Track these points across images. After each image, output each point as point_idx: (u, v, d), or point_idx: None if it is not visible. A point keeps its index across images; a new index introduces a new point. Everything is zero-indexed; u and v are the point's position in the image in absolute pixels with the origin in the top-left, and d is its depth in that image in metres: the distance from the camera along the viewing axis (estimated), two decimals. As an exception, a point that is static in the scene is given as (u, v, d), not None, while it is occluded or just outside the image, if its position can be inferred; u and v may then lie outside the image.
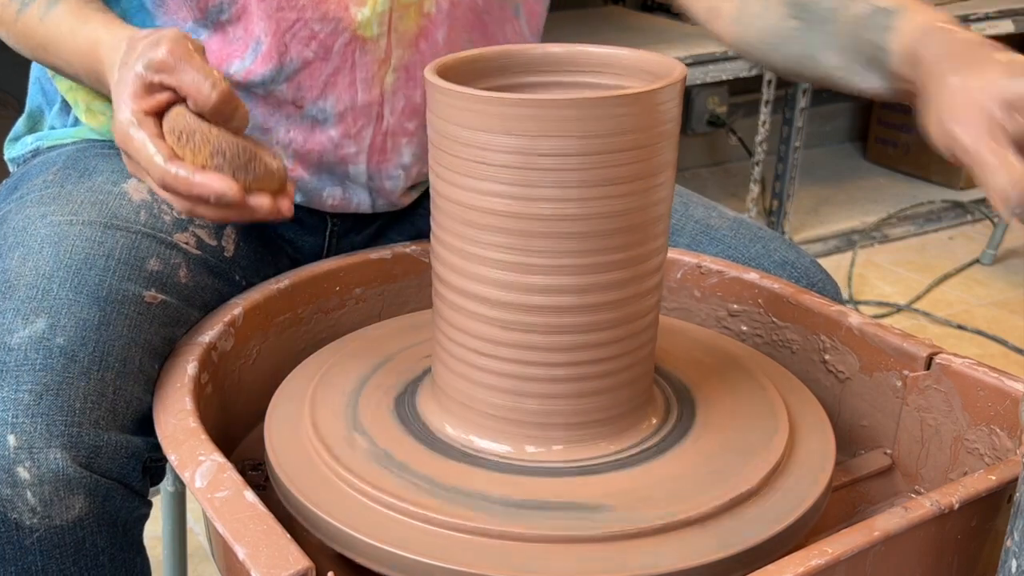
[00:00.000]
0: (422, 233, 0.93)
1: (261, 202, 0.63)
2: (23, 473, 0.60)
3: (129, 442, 0.64)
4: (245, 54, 0.78)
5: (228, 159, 0.61)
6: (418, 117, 0.84)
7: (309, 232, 0.90)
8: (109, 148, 0.85)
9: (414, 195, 0.91)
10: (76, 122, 0.89)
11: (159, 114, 0.63)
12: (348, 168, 0.84)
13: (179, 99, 0.62)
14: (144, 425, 0.66)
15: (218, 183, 0.60)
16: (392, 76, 0.80)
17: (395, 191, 0.87)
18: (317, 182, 0.84)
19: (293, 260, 0.90)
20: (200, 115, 0.61)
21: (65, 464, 0.61)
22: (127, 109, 0.62)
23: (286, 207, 0.64)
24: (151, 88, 0.62)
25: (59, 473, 0.61)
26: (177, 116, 0.61)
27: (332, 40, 0.77)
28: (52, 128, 0.91)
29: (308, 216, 0.88)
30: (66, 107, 0.91)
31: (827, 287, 0.85)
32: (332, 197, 0.85)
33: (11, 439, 0.60)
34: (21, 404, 0.61)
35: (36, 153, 0.89)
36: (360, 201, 0.86)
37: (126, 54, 0.65)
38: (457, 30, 0.82)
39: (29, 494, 0.60)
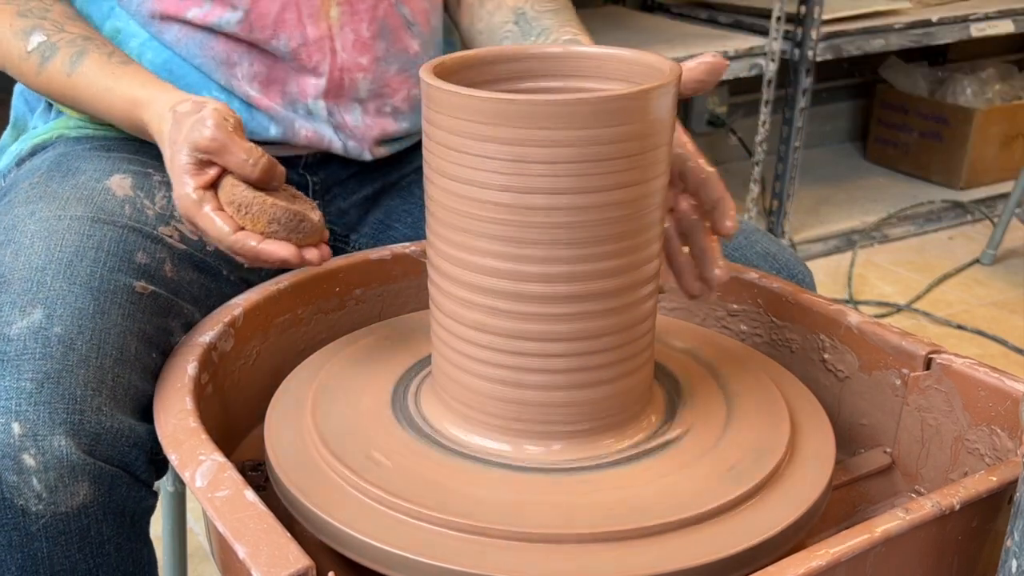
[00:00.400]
0: (417, 219, 0.94)
1: (312, 256, 0.71)
2: (28, 460, 0.61)
3: (131, 430, 0.65)
4: (203, 2, 0.84)
5: (283, 224, 0.69)
6: (369, 52, 0.89)
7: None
8: (89, 149, 0.86)
9: (385, 150, 0.94)
10: (58, 114, 0.92)
11: (213, 186, 0.70)
12: (308, 104, 0.88)
13: (226, 171, 0.70)
14: (145, 414, 0.67)
15: (280, 251, 0.69)
16: (336, 10, 0.86)
17: (358, 127, 0.90)
18: (288, 113, 0.88)
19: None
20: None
21: (70, 450, 0.62)
22: (188, 186, 0.70)
23: (327, 252, 0.72)
24: (202, 164, 0.70)
25: (63, 459, 0.61)
26: (233, 189, 0.69)
27: None
28: (35, 128, 0.93)
29: (286, 169, 0.91)
30: (48, 107, 0.94)
31: (806, 280, 0.88)
32: (305, 129, 0.89)
33: (15, 427, 0.61)
34: (23, 392, 0.62)
35: (20, 161, 0.91)
36: (331, 139, 0.90)
37: (173, 130, 0.72)
38: None
39: (35, 480, 0.61)
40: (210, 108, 0.70)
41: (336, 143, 0.90)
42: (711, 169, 0.68)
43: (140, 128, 0.78)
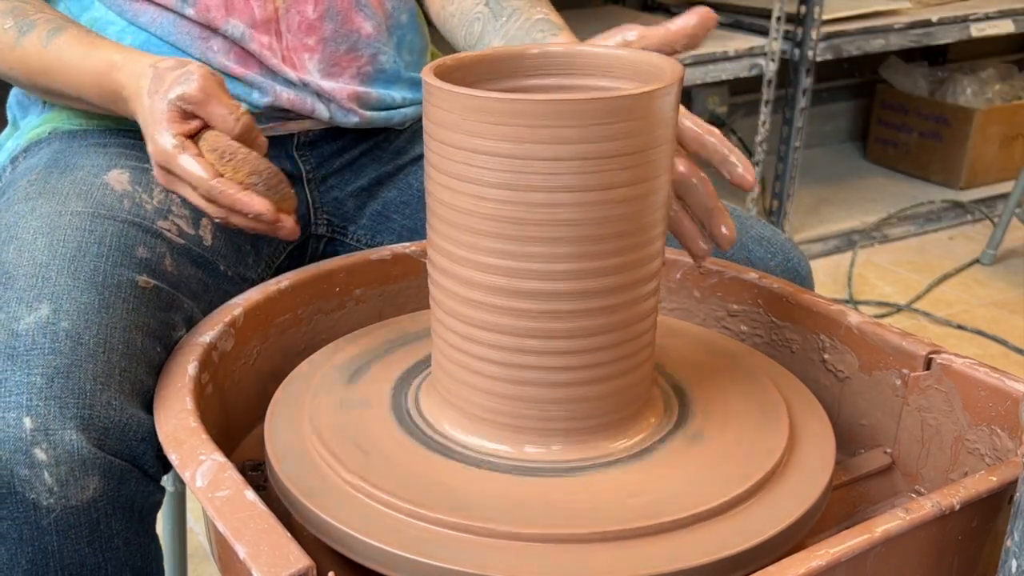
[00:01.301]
0: (415, 211, 0.94)
1: (287, 221, 0.72)
2: (40, 454, 0.61)
3: (140, 424, 0.65)
4: None
5: (264, 179, 0.70)
6: (315, 33, 0.90)
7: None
8: (86, 144, 0.87)
9: (372, 115, 0.94)
10: (51, 107, 0.93)
11: (192, 138, 0.71)
12: (280, 76, 0.89)
13: (207, 125, 0.71)
14: (151, 409, 0.67)
15: (258, 204, 0.70)
16: None
17: (331, 91, 0.91)
18: (268, 80, 0.89)
19: (274, 237, 0.92)
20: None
21: (80, 444, 0.62)
22: (168, 134, 0.70)
23: (298, 229, 0.73)
24: (185, 115, 0.71)
25: (74, 454, 0.62)
26: (216, 138, 0.70)
27: None
28: (25, 125, 0.94)
29: (278, 153, 0.92)
30: (42, 106, 0.94)
31: (801, 264, 0.88)
32: (287, 93, 0.89)
33: (27, 421, 0.61)
34: (34, 387, 0.62)
35: (16, 158, 0.91)
36: (314, 103, 0.91)
37: (154, 82, 0.73)
38: None
39: (46, 474, 0.61)
40: (196, 64, 0.72)
41: (320, 107, 0.91)
42: (711, 127, 0.69)
43: (113, 92, 0.77)
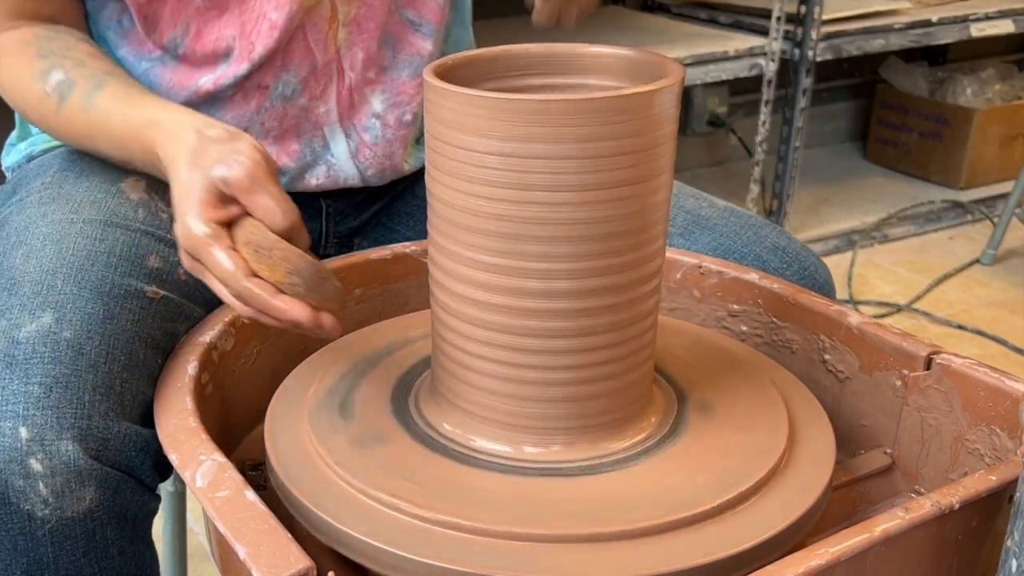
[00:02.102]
0: (419, 221, 0.94)
1: (328, 323, 0.63)
2: (36, 465, 0.61)
3: (138, 435, 0.65)
4: (217, 67, 0.82)
5: (305, 279, 0.61)
6: (375, 65, 0.87)
7: (306, 218, 0.91)
8: None
9: (407, 167, 0.93)
10: None
11: (227, 225, 0.64)
12: (324, 131, 0.86)
13: (247, 213, 0.63)
14: (150, 419, 0.67)
15: (295, 311, 0.61)
16: (343, 31, 0.84)
17: (377, 144, 0.89)
18: (300, 167, 0.87)
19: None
20: None
21: (77, 455, 0.61)
22: (200, 219, 0.63)
23: (339, 326, 0.65)
24: (223, 199, 0.63)
25: (70, 465, 0.61)
26: (254, 229, 0.61)
27: (286, 21, 0.80)
28: (41, 132, 0.92)
29: (301, 201, 0.89)
30: None
31: (819, 271, 0.86)
32: (316, 177, 0.88)
33: (23, 431, 0.61)
34: (31, 397, 0.62)
35: (30, 158, 0.90)
36: (348, 176, 0.89)
37: (196, 154, 0.65)
38: None
39: (41, 485, 0.61)
40: (247, 142, 0.65)
41: (353, 178, 0.89)
42: None
43: (151, 152, 0.70)
